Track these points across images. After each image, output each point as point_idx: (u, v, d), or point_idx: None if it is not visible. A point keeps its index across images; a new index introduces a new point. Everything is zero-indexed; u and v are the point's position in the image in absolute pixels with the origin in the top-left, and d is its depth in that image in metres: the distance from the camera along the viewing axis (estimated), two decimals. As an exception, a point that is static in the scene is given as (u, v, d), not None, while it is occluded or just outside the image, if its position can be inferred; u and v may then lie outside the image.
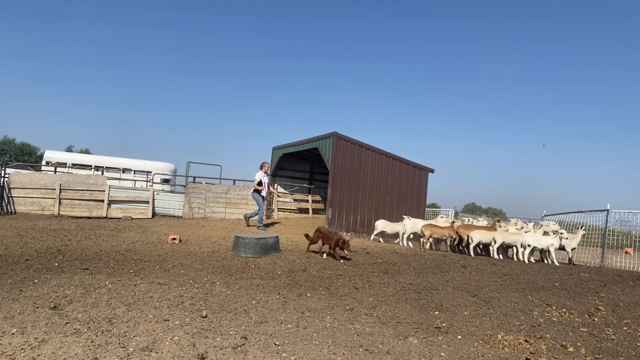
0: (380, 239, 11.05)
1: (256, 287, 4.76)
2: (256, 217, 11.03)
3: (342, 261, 6.74)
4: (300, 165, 18.76)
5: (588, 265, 9.20)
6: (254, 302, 4.13)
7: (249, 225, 11.15)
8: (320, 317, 3.77)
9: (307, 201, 16.63)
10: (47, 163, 19.68)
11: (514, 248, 9.10)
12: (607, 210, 10.22)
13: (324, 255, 7.15)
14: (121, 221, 11.68)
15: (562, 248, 9.19)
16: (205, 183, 15.60)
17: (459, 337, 3.43)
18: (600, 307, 4.58)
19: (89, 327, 3.17)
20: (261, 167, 11.01)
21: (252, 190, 11.04)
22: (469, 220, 13.27)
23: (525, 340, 3.37)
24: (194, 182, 15.51)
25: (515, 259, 8.76)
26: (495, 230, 9.32)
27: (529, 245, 8.73)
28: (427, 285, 5.39)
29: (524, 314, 4.25)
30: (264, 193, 10.92)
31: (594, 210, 10.71)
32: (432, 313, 4.12)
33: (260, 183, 10.79)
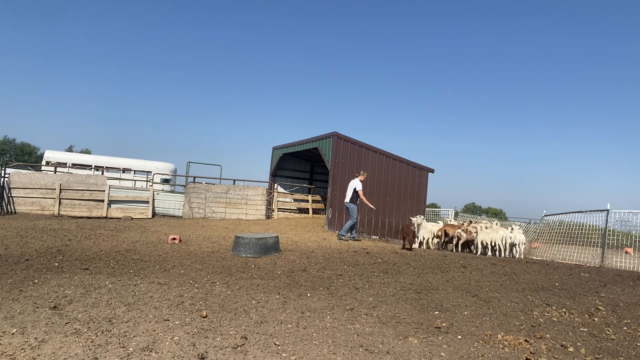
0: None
1: (256, 287, 4.76)
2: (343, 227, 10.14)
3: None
4: (300, 165, 18.75)
5: (588, 265, 9.20)
6: (254, 302, 4.13)
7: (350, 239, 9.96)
8: (320, 317, 3.77)
9: (307, 201, 16.64)
10: (47, 163, 19.68)
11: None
12: (607, 210, 10.22)
13: None
14: (121, 221, 11.69)
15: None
16: (205, 183, 15.61)
17: (459, 337, 3.43)
18: (600, 307, 4.58)
19: (89, 327, 3.17)
20: (359, 175, 10.08)
21: (348, 200, 9.98)
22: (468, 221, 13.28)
23: (525, 340, 3.37)
24: (194, 182, 15.52)
25: None
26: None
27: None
28: (427, 285, 5.39)
29: (524, 314, 4.24)
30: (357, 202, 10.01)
31: (594, 210, 10.71)
32: (432, 313, 4.12)
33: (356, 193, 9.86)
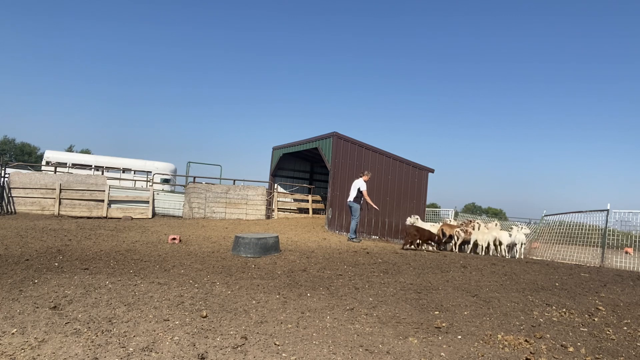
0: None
1: (256, 287, 4.76)
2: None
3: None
4: (300, 165, 18.76)
5: (588, 265, 9.20)
6: (254, 302, 4.13)
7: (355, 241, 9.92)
8: (320, 317, 3.77)
9: (307, 201, 16.64)
10: (47, 163, 19.71)
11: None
12: (607, 210, 10.21)
13: None
14: (121, 221, 11.69)
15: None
16: (205, 183, 15.62)
17: (459, 337, 3.43)
18: (600, 307, 4.58)
19: (89, 327, 3.17)
20: (363, 175, 10.14)
21: (352, 199, 9.98)
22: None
23: (525, 340, 3.37)
24: (194, 182, 15.52)
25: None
26: None
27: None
28: (427, 285, 5.39)
29: (524, 314, 4.25)
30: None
31: (594, 210, 10.70)
32: (432, 313, 4.12)
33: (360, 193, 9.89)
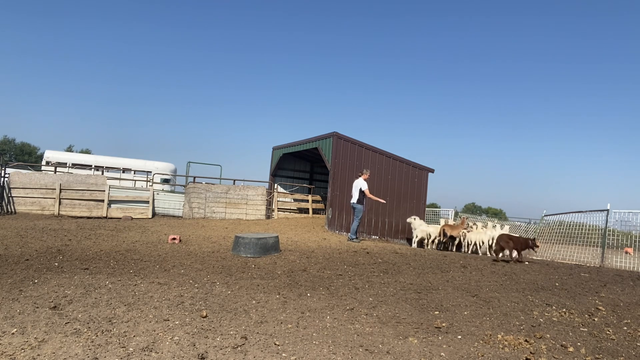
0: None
1: (256, 287, 4.76)
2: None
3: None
4: (300, 165, 18.75)
5: (588, 265, 9.19)
6: (254, 302, 4.13)
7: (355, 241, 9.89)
8: (320, 317, 3.77)
9: (307, 201, 16.64)
10: (47, 163, 19.71)
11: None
12: (607, 210, 10.21)
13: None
14: (121, 221, 11.69)
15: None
16: (205, 183, 15.61)
17: (459, 337, 3.43)
18: (600, 307, 4.58)
19: (89, 327, 3.17)
20: (362, 174, 10.08)
21: (355, 200, 9.95)
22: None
23: (525, 340, 3.37)
24: (194, 182, 15.52)
25: None
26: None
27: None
28: (427, 285, 5.39)
29: (524, 314, 4.24)
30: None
31: (594, 210, 10.71)
32: (432, 313, 4.12)
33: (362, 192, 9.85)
